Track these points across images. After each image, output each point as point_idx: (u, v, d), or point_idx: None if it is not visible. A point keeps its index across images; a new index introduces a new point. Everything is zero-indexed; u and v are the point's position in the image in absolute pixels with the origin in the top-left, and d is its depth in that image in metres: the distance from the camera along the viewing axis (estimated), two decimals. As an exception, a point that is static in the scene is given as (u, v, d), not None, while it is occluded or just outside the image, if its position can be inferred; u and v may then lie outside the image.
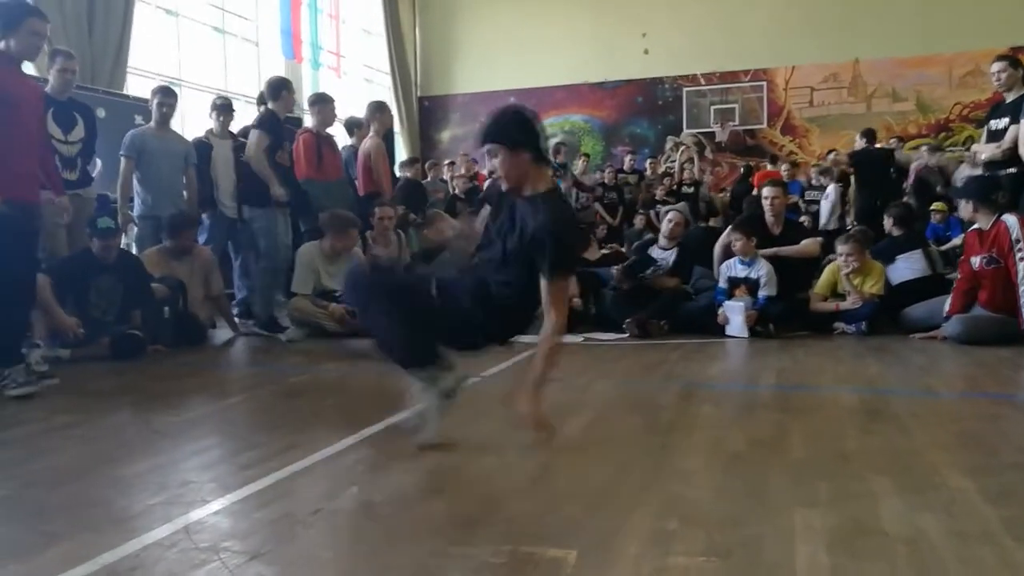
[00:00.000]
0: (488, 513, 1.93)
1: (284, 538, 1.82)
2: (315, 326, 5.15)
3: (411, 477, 2.25)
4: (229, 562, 1.65)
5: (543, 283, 2.48)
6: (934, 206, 8.48)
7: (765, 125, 12.36)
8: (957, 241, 7.04)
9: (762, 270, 5.15)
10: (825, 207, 9.25)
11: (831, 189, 9.23)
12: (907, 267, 5.34)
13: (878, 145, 8.89)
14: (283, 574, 1.61)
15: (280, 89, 5.57)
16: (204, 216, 5.80)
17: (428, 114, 14.00)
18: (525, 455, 2.46)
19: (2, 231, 3.46)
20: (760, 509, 1.91)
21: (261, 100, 5.79)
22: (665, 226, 5.73)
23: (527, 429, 2.47)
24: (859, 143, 8.64)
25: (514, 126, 2.54)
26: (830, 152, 10.36)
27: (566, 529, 1.81)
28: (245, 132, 5.82)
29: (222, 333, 5.60)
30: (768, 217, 5.50)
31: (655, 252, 5.66)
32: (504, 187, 2.59)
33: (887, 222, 5.84)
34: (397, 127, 12.44)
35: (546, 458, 2.43)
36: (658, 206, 9.12)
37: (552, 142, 10.70)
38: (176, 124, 5.81)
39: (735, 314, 5.03)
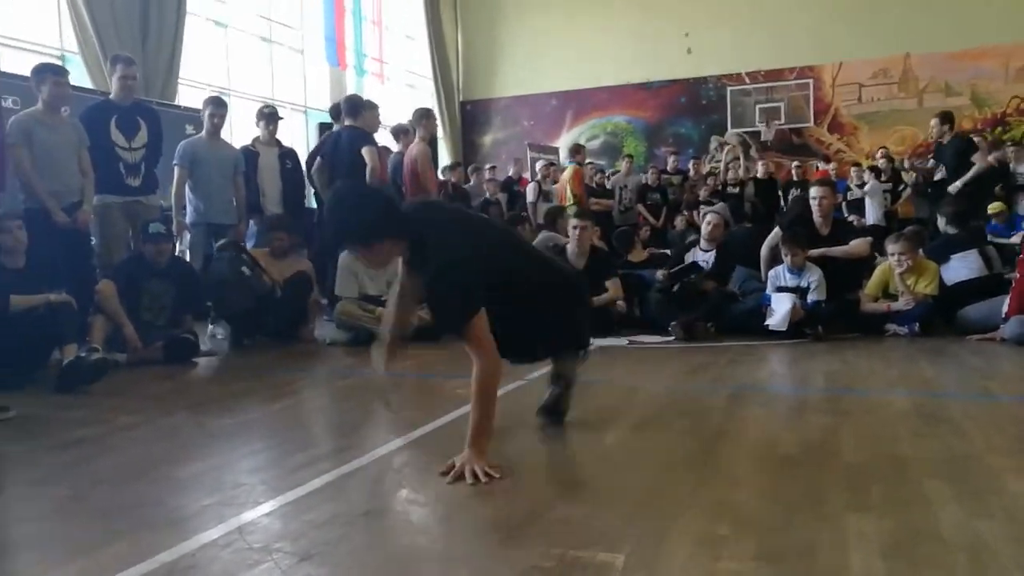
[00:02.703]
0: (536, 516, 1.94)
1: (334, 540, 1.85)
2: (362, 330, 5.21)
3: (461, 480, 2.26)
4: (281, 563, 1.68)
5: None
6: (992, 207, 7.94)
7: (812, 123, 12.14)
8: (1016, 239, 6.81)
9: (812, 277, 5.05)
10: (868, 203, 9.06)
11: (871, 184, 9.02)
12: (962, 266, 5.20)
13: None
14: (332, 575, 1.64)
15: (358, 107, 5.82)
16: (252, 222, 5.92)
17: (470, 118, 14.07)
18: (573, 458, 2.46)
19: None
20: (812, 514, 1.88)
21: (335, 113, 6.02)
22: (704, 228, 5.68)
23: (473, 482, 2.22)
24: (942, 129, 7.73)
25: (365, 220, 2.32)
26: (880, 149, 10.14)
27: (614, 533, 1.80)
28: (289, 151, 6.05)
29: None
30: (816, 218, 5.40)
31: (696, 254, 5.61)
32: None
33: (940, 220, 5.69)
34: (440, 132, 12.53)
35: (593, 462, 2.42)
36: (702, 207, 9.01)
37: (571, 143, 10.71)
38: (225, 132, 5.94)
39: (781, 305, 4.95)
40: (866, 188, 9.14)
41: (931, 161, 8.47)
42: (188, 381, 4.24)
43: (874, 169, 9.49)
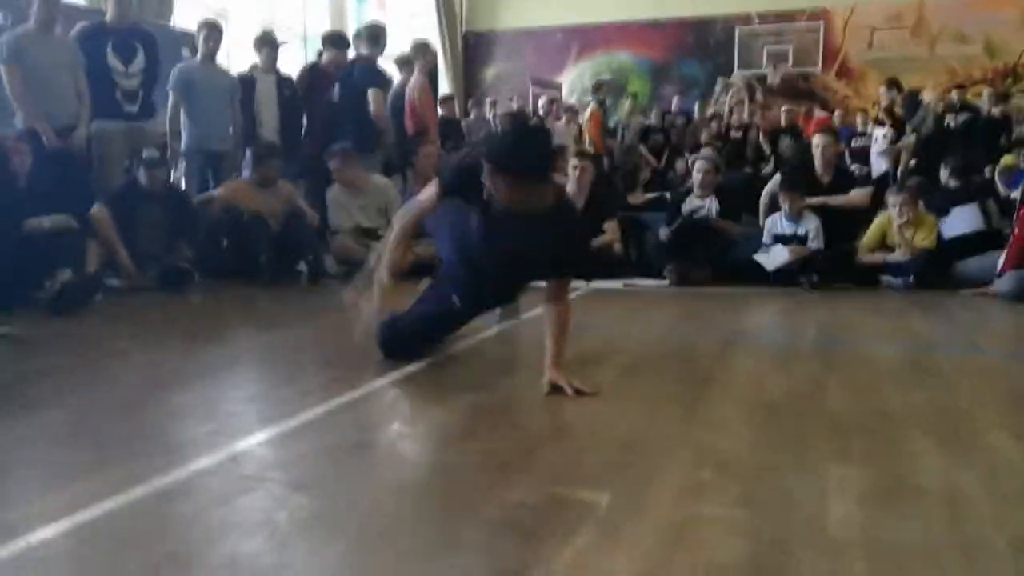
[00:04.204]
0: (523, 455, 1.97)
1: (325, 470, 1.88)
2: (359, 263, 5.20)
3: (450, 417, 2.29)
4: (273, 491, 1.71)
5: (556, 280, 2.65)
6: (1004, 160, 7.79)
7: (820, 68, 11.92)
8: (1016, 194, 6.76)
9: (810, 224, 5.04)
10: (875, 153, 8.95)
11: (879, 134, 8.89)
12: (961, 221, 5.19)
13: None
14: (323, 505, 1.67)
15: (380, 34, 5.79)
16: (249, 151, 5.84)
17: (472, 50, 13.77)
18: (561, 399, 2.49)
19: None
20: (795, 462, 1.91)
21: (329, 42, 5.92)
22: (696, 177, 5.61)
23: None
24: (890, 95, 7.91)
25: (550, 155, 2.57)
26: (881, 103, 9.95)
27: (599, 474, 1.84)
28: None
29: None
30: (818, 166, 5.35)
31: (692, 203, 5.55)
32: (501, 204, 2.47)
33: (943, 173, 5.65)
34: (441, 64, 12.28)
35: (581, 404, 2.45)
36: (689, 154, 8.89)
37: (591, 79, 10.51)
38: (221, 57, 5.81)
39: (777, 254, 4.97)
40: (876, 138, 9.00)
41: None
42: (182, 309, 4.25)
43: (879, 121, 9.34)
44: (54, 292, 3.77)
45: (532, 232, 2.47)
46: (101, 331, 3.48)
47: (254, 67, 5.93)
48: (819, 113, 10.51)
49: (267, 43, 5.91)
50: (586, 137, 8.48)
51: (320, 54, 6.46)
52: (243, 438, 2.06)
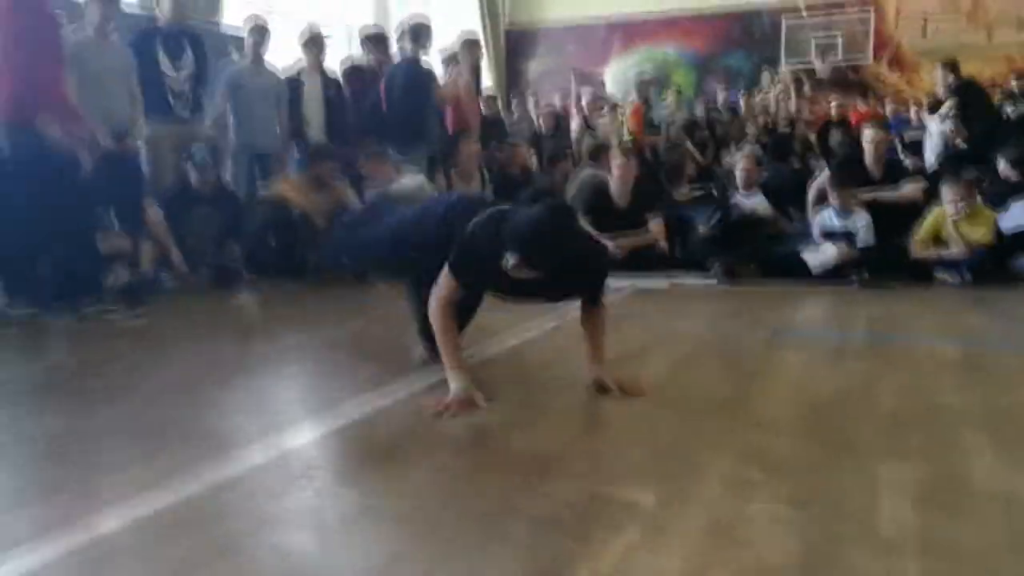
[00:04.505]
0: (568, 452, 1.97)
1: (372, 466, 1.91)
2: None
3: (494, 413, 2.30)
4: (321, 486, 1.74)
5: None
6: None
7: (871, 59, 11.63)
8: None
9: (860, 221, 4.93)
10: (929, 146, 8.70)
11: (933, 126, 8.64)
12: (1020, 213, 5.00)
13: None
14: (369, 501, 1.69)
15: (422, 32, 5.77)
16: (296, 150, 5.94)
17: (515, 45, 13.76)
18: (603, 397, 2.48)
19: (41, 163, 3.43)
20: (845, 460, 1.87)
21: (371, 42, 5.95)
22: (739, 174, 5.52)
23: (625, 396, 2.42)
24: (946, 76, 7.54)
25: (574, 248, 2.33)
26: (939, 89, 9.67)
27: (644, 472, 1.82)
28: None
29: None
30: (868, 160, 5.23)
31: (740, 201, 5.46)
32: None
33: (1001, 164, 5.46)
34: (484, 60, 12.31)
35: (625, 402, 2.44)
36: (745, 146, 8.76)
37: (635, 77, 10.42)
38: (269, 53, 5.89)
39: (825, 251, 4.87)
40: (930, 131, 8.75)
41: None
42: (232, 307, 4.34)
43: (933, 107, 9.08)
44: (116, 288, 3.88)
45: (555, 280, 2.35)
46: (154, 327, 3.58)
47: (301, 69, 6.01)
48: (861, 106, 10.27)
49: (313, 43, 5.99)
50: (626, 131, 8.42)
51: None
52: (292, 433, 2.10)
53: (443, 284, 2.40)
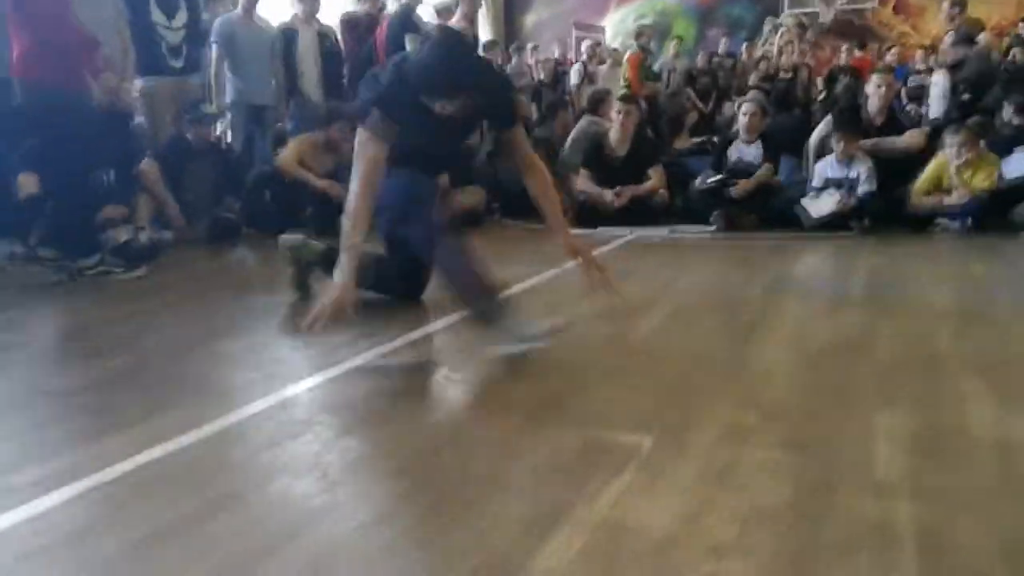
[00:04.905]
0: (566, 399, 1.98)
1: (373, 414, 1.92)
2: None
3: (493, 362, 2.31)
4: (321, 435, 1.76)
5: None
6: None
7: (876, 3, 11.40)
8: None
9: (861, 167, 4.89)
10: (935, 95, 8.58)
11: (940, 77, 8.50)
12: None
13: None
14: (370, 448, 1.72)
15: None
16: (292, 104, 5.86)
17: (513, -4, 13.50)
18: (606, 345, 2.50)
19: (63, 124, 3.42)
20: (841, 408, 1.89)
21: None
22: (742, 120, 5.45)
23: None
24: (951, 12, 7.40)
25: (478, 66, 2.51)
26: (948, 33, 9.49)
27: (642, 417, 1.84)
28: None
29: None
30: (873, 107, 5.16)
31: (739, 149, 5.41)
32: None
33: (1007, 110, 5.39)
34: (481, 10, 12.08)
35: (626, 350, 2.45)
36: (735, 98, 8.65)
37: (634, 25, 10.23)
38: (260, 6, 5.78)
39: (824, 201, 4.85)
40: (935, 80, 8.61)
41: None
42: (231, 260, 4.35)
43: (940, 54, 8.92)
44: (112, 250, 3.86)
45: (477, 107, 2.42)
46: (155, 281, 3.58)
47: (295, 17, 5.90)
48: (858, 53, 10.12)
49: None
50: (622, 81, 8.32)
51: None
52: (293, 383, 2.11)
53: (364, 141, 2.37)
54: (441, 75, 2.28)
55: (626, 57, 8.66)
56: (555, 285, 3.46)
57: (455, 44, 2.39)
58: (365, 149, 2.36)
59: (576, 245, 2.55)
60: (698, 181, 5.29)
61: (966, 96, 6.60)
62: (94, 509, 1.43)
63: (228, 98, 5.56)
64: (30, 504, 1.44)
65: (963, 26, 6.96)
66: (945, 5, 7.17)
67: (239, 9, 5.55)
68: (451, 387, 2.14)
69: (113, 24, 4.66)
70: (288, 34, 5.75)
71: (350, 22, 6.24)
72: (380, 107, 2.36)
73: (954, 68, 6.94)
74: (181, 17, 5.03)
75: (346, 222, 2.33)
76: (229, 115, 5.71)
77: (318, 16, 5.96)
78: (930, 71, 8.75)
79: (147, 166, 4.60)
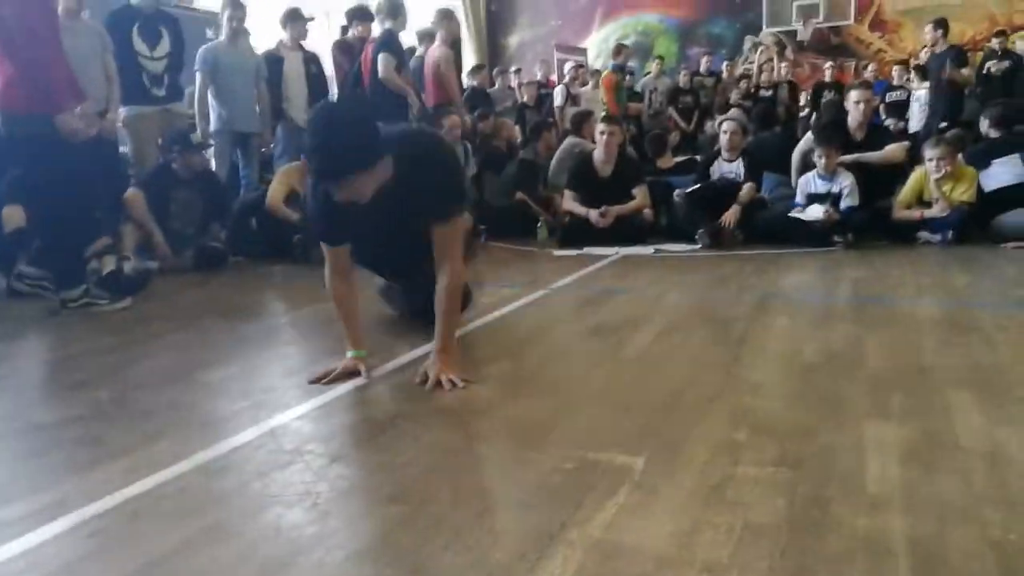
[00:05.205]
0: (558, 420, 1.98)
1: (363, 442, 1.91)
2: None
3: (483, 385, 2.31)
4: (312, 464, 1.75)
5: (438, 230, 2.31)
6: None
7: (852, 20, 11.58)
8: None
9: (844, 182, 4.95)
10: (916, 109, 8.71)
11: (922, 92, 8.65)
12: (1003, 172, 5.03)
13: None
14: (362, 476, 1.70)
15: (399, 8, 5.69)
16: (279, 128, 5.88)
17: (495, 17, 13.63)
18: (595, 364, 2.50)
19: (50, 153, 3.39)
20: (832, 421, 1.90)
21: (354, 17, 5.92)
22: (723, 138, 5.52)
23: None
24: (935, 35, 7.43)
25: (366, 139, 2.06)
26: (924, 48, 9.67)
27: (635, 437, 1.84)
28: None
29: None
30: (853, 122, 5.23)
31: (721, 166, 5.47)
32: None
33: (983, 123, 5.48)
34: (464, 33, 12.19)
35: (615, 368, 2.45)
36: (717, 116, 8.76)
37: (613, 42, 10.33)
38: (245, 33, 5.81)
39: (812, 211, 4.91)
40: (918, 95, 8.76)
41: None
42: (218, 288, 4.32)
43: (920, 69, 9.08)
44: (99, 280, 3.84)
45: (390, 202, 2.20)
46: (140, 311, 3.56)
47: (280, 44, 5.93)
48: (827, 67, 10.34)
49: (294, 18, 5.91)
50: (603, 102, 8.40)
51: (345, 29, 6.47)
52: (282, 412, 2.10)
53: (325, 255, 2.40)
54: (313, 156, 2.04)
55: (601, 79, 8.76)
56: (543, 304, 3.47)
57: (338, 114, 2.10)
58: (327, 265, 2.42)
59: (428, 368, 2.31)
60: (676, 195, 5.34)
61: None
62: (84, 543, 1.41)
63: (212, 126, 5.56)
64: (20, 539, 1.42)
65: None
66: (927, 27, 7.37)
67: (223, 36, 5.57)
68: (440, 412, 2.13)
69: (98, 54, 4.67)
70: (274, 59, 5.78)
71: (343, 45, 6.31)
72: (313, 221, 2.37)
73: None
74: (163, 47, 5.04)
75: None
76: (213, 143, 5.71)
77: (301, 42, 6.00)
78: (904, 88, 8.92)
79: (132, 195, 4.58)
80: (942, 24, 7.34)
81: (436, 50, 6.31)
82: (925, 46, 9.61)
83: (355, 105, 2.35)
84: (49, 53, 3.43)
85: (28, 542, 1.41)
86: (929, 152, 4.96)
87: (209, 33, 6.48)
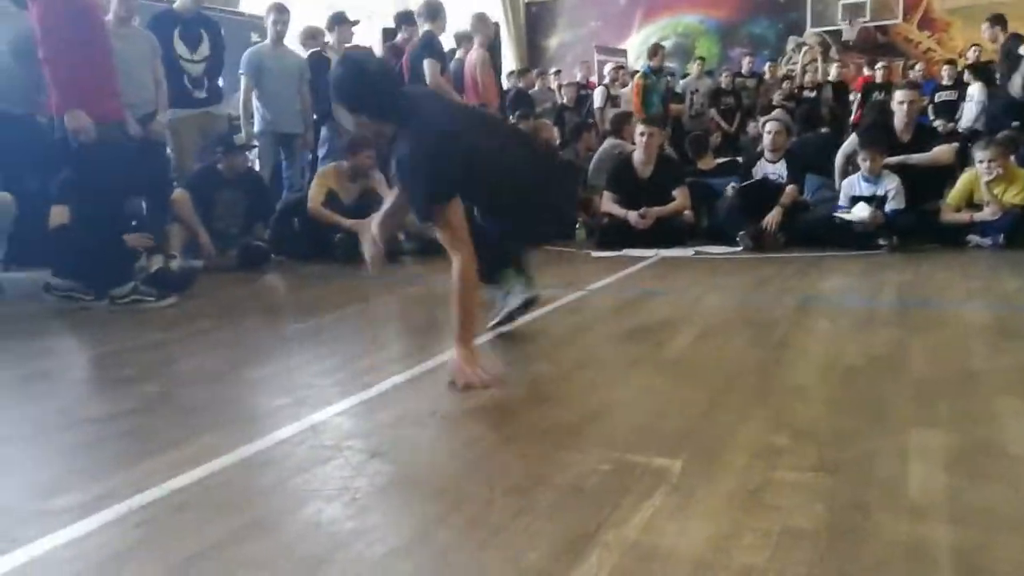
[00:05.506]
0: (595, 421, 1.98)
1: (402, 439, 1.93)
2: (428, 239, 5.17)
3: (520, 385, 2.32)
4: (351, 459, 1.77)
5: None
6: None
7: (900, 19, 11.34)
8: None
9: (890, 185, 4.85)
10: (971, 109, 8.49)
11: (976, 90, 8.42)
12: (1056, 174, 4.89)
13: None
14: (400, 472, 1.72)
15: (439, 10, 5.78)
16: (324, 129, 5.96)
17: (535, 20, 13.64)
18: (632, 367, 2.49)
19: (98, 156, 3.49)
20: (875, 426, 1.86)
21: (402, 21, 6.02)
22: (766, 139, 5.44)
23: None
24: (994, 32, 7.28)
25: (356, 86, 2.38)
26: (972, 46, 9.43)
27: (673, 440, 1.83)
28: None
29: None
30: (899, 123, 5.13)
31: (764, 167, 5.40)
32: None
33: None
34: (504, 34, 12.22)
35: (655, 370, 2.44)
36: (759, 117, 8.65)
37: (650, 43, 10.27)
38: (289, 39, 5.89)
39: (858, 211, 4.81)
40: (971, 94, 8.53)
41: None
42: (261, 287, 4.41)
43: (974, 68, 8.83)
44: (147, 278, 3.93)
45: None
46: (186, 308, 3.64)
47: (327, 46, 6.01)
48: (867, 71, 10.14)
49: (341, 22, 5.99)
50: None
51: (391, 32, 6.56)
52: (322, 408, 2.13)
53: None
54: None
55: (632, 84, 8.69)
56: (580, 306, 3.47)
57: (360, 58, 2.53)
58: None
59: (452, 364, 2.32)
60: (727, 191, 5.28)
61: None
62: (130, 534, 1.45)
63: (256, 127, 5.66)
64: (68, 529, 1.46)
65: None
66: (984, 25, 7.22)
67: (268, 40, 5.67)
68: (478, 410, 2.14)
69: (148, 59, 4.79)
70: (322, 61, 5.86)
71: (394, 48, 6.42)
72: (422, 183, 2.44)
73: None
74: (203, 49, 5.16)
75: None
76: (257, 144, 5.81)
77: (346, 45, 6.08)
78: (955, 87, 8.68)
79: (179, 196, 4.69)
80: (1000, 20, 7.12)
81: (473, 53, 6.35)
82: (974, 44, 9.38)
83: (378, 63, 2.55)
84: (99, 61, 3.54)
85: (76, 531, 1.46)
86: (980, 154, 4.84)
87: (254, 37, 6.58)
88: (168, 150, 5.19)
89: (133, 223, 4.23)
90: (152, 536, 1.45)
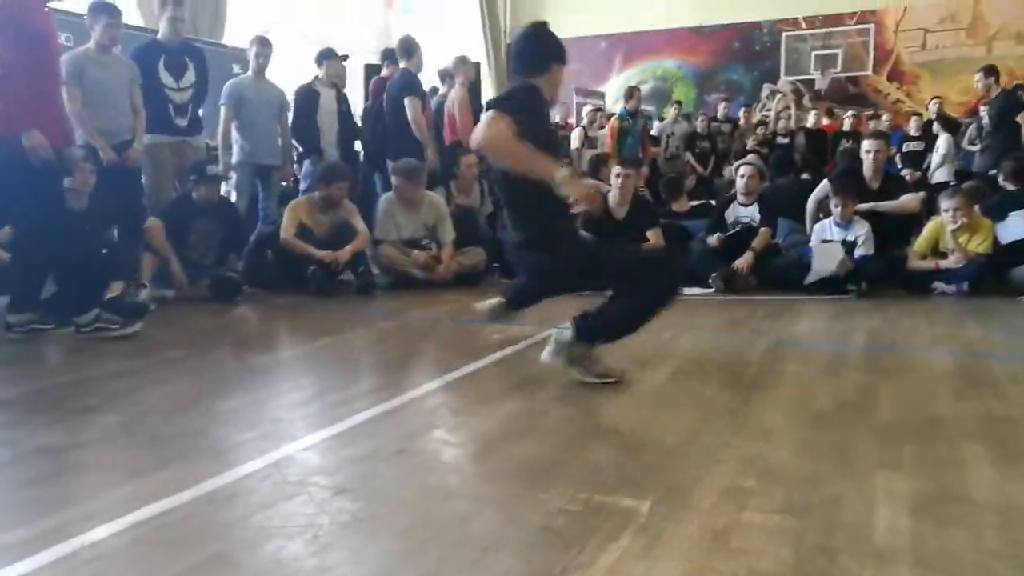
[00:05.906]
0: (565, 460, 1.97)
1: (368, 476, 1.91)
2: (400, 273, 5.25)
3: (491, 422, 2.30)
4: (316, 496, 1.74)
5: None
6: None
7: (870, 71, 11.67)
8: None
9: (860, 231, 4.94)
10: (936, 159, 8.72)
11: (942, 141, 8.66)
12: (1020, 225, 5.01)
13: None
14: (365, 510, 1.70)
15: (414, 48, 5.90)
16: (307, 163, 5.96)
17: (516, 61, 13.83)
18: (604, 405, 2.49)
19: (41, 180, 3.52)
20: (842, 470, 1.87)
21: (386, 57, 6.26)
22: (740, 182, 5.53)
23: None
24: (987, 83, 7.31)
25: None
26: (933, 99, 9.70)
27: (641, 480, 1.82)
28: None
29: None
30: (867, 171, 5.24)
31: (736, 210, 5.48)
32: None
33: (1000, 176, 5.48)
34: (485, 74, 12.36)
35: (625, 410, 2.44)
36: (734, 161, 8.80)
37: (626, 86, 10.46)
38: (271, 72, 5.92)
39: (827, 254, 4.86)
40: (938, 146, 8.77)
41: (982, 118, 7.99)
42: (232, 318, 4.36)
43: (943, 120, 9.05)
44: (110, 299, 3.86)
45: None
46: (154, 338, 3.58)
47: (316, 79, 6.04)
48: (825, 120, 10.42)
49: (330, 56, 6.04)
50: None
51: (376, 68, 6.64)
52: (288, 443, 2.10)
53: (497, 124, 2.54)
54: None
55: (607, 126, 8.86)
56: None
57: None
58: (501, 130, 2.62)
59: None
60: (710, 240, 5.32)
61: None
62: (80, 570, 1.41)
63: (235, 158, 5.65)
64: (19, 564, 1.42)
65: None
66: (978, 76, 7.43)
67: (250, 71, 5.69)
68: (446, 448, 2.12)
69: (126, 85, 4.78)
70: (310, 94, 5.89)
71: (380, 82, 6.49)
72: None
73: None
74: (189, 77, 5.16)
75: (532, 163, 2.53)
76: (235, 175, 5.80)
77: (336, 81, 6.14)
78: (922, 138, 8.90)
79: (152, 224, 4.65)
80: (992, 71, 7.31)
81: (454, 92, 6.46)
82: (935, 97, 9.60)
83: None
84: (47, 89, 3.58)
85: (26, 567, 1.41)
86: (945, 203, 4.95)
87: (236, 69, 6.60)
88: (143, 177, 5.16)
89: (104, 250, 4.15)
90: (104, 572, 1.41)
